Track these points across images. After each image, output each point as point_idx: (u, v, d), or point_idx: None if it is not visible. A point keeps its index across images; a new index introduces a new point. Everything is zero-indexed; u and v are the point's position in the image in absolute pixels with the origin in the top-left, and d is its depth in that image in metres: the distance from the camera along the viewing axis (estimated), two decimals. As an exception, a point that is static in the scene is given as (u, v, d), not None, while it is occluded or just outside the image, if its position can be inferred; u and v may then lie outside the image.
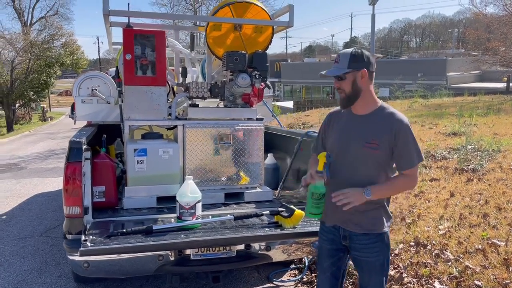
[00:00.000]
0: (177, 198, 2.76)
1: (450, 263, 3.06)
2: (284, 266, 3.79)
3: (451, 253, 3.18)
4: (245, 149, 3.50)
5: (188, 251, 2.71)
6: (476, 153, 5.28)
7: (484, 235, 3.29)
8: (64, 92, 53.26)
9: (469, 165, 4.87)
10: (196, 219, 2.77)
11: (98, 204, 3.08)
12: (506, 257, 2.94)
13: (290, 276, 3.70)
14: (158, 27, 4.16)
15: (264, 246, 2.83)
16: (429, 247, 3.34)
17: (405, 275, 3.09)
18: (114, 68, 4.68)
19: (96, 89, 4.30)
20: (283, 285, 3.56)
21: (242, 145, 3.49)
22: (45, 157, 11.32)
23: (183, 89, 3.63)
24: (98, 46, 49.25)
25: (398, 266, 3.24)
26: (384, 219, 2.13)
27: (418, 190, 4.50)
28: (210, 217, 2.98)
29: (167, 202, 3.18)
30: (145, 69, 3.35)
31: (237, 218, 2.90)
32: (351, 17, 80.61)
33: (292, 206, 2.87)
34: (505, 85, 20.30)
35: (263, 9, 3.77)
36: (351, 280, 3.32)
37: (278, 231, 2.79)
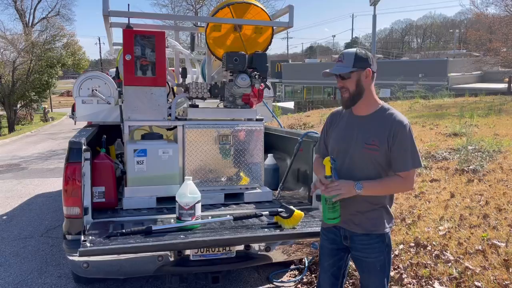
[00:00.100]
0: (177, 199, 2.76)
1: (450, 264, 3.05)
2: (284, 266, 3.79)
3: (451, 254, 3.17)
4: (245, 150, 3.50)
5: (187, 252, 2.71)
6: (476, 153, 5.27)
7: (484, 236, 3.28)
8: (65, 92, 53.41)
9: (469, 166, 4.86)
10: (196, 219, 2.77)
11: (97, 204, 3.09)
12: (506, 258, 2.93)
13: (290, 276, 3.70)
14: (159, 27, 4.16)
15: (264, 246, 2.83)
16: (429, 248, 3.33)
17: (405, 276, 3.09)
18: (114, 69, 4.69)
19: (96, 90, 4.31)
20: (283, 286, 3.56)
21: (242, 145, 3.49)
22: (46, 158, 11.34)
23: (183, 89, 3.63)
24: (100, 47, 49.26)
25: (398, 267, 3.23)
26: (385, 220, 2.12)
27: (419, 191, 4.49)
28: (210, 217, 2.98)
29: (167, 203, 3.19)
30: (145, 69, 3.35)
31: (236, 218, 2.91)
32: (352, 18, 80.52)
33: (291, 207, 2.86)
34: (507, 86, 20.26)
35: (263, 9, 3.78)
36: (351, 281, 3.32)
37: (278, 232, 2.79)
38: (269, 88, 3.97)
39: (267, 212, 2.96)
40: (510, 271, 2.81)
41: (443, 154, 5.54)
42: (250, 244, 2.81)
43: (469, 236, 3.35)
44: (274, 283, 3.59)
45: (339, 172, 2.08)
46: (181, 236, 2.62)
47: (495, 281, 2.75)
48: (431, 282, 2.94)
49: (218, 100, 3.68)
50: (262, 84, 3.55)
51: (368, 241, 2.11)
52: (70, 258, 2.54)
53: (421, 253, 3.30)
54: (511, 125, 7.30)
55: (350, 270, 3.32)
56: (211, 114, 3.55)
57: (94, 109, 4.36)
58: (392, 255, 3.33)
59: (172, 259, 2.68)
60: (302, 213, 2.89)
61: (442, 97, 14.42)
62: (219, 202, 3.39)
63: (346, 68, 2.02)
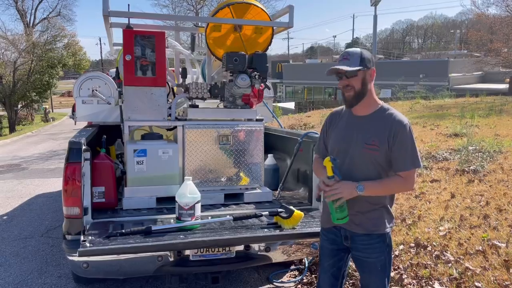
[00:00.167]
0: (176, 199, 2.76)
1: (450, 265, 3.04)
2: (284, 267, 3.78)
3: (452, 255, 3.16)
4: (245, 150, 3.50)
5: (187, 252, 2.71)
6: (477, 154, 5.26)
7: (485, 236, 3.28)
8: (66, 93, 53.42)
9: (470, 166, 4.86)
10: (195, 219, 2.77)
11: (97, 204, 3.09)
12: (506, 259, 2.92)
13: (290, 277, 3.69)
14: (159, 28, 4.16)
15: (264, 247, 2.83)
16: (429, 248, 3.33)
17: (405, 276, 3.08)
18: (115, 69, 4.70)
19: (96, 90, 4.31)
20: (283, 286, 3.55)
21: (242, 146, 3.48)
22: (46, 158, 11.36)
23: (183, 89, 3.63)
24: (101, 47, 49.20)
25: (398, 267, 3.23)
26: (386, 220, 2.12)
27: (419, 191, 4.49)
28: (210, 217, 2.98)
29: (167, 203, 3.18)
30: (145, 69, 3.35)
31: (236, 218, 2.91)
32: (353, 18, 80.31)
33: (291, 207, 2.86)
34: (508, 86, 20.24)
35: (263, 10, 3.78)
36: (351, 281, 3.31)
37: (277, 232, 2.79)
38: (269, 88, 3.98)
39: (267, 212, 2.96)
40: (511, 271, 2.80)
41: (443, 154, 5.53)
42: (250, 245, 2.81)
43: (470, 237, 3.34)
44: (274, 283, 3.58)
45: (339, 171, 2.07)
46: (181, 236, 2.62)
47: (495, 281, 2.74)
48: (431, 283, 2.93)
49: (218, 101, 3.68)
50: (262, 84, 3.55)
51: (369, 241, 2.10)
52: (70, 258, 2.54)
53: (421, 254, 3.29)
54: (511, 126, 7.30)
55: (350, 271, 3.31)
56: (211, 114, 3.55)
57: (94, 109, 4.36)
58: (392, 256, 3.32)
59: (171, 259, 2.67)
60: (302, 213, 2.88)
61: (443, 98, 14.41)
62: (219, 202, 3.39)
63: (353, 65, 2.01)
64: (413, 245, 3.45)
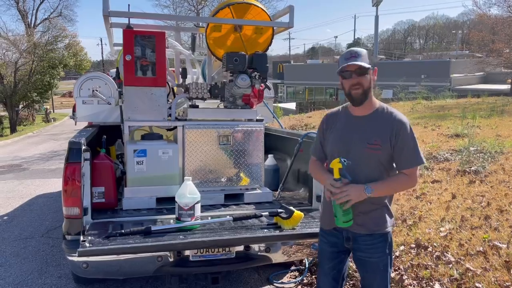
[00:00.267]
0: (176, 199, 2.76)
1: (451, 265, 3.03)
2: (284, 267, 3.77)
3: (452, 255, 3.15)
4: (245, 150, 3.49)
5: (187, 252, 2.70)
6: (478, 155, 5.25)
7: (486, 237, 3.27)
8: (67, 93, 53.46)
9: (471, 167, 4.85)
10: (195, 220, 2.76)
11: (97, 204, 3.08)
12: (507, 260, 2.91)
13: (290, 277, 3.68)
14: (160, 28, 4.16)
15: (264, 247, 2.82)
16: (430, 249, 3.32)
17: (406, 277, 3.07)
18: (115, 69, 4.70)
19: (96, 90, 4.31)
20: (283, 287, 3.54)
21: (242, 146, 3.48)
22: (47, 158, 11.37)
23: (183, 90, 3.63)
24: (102, 48, 49.28)
25: (399, 268, 3.22)
26: (387, 219, 2.12)
27: (420, 192, 4.47)
28: (209, 218, 2.97)
29: (167, 203, 3.18)
30: (145, 70, 3.35)
31: (236, 219, 2.90)
32: (355, 19, 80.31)
33: (291, 207, 2.85)
34: (509, 87, 20.21)
35: (263, 10, 3.77)
36: (352, 282, 3.30)
37: (277, 233, 2.78)
38: (269, 89, 3.97)
39: (267, 213, 2.95)
40: (511, 272, 2.79)
41: (444, 155, 5.52)
42: (250, 245, 2.80)
43: (470, 238, 3.33)
44: (275, 284, 3.57)
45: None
46: (181, 237, 2.61)
47: (496, 282, 2.73)
48: (431, 283, 2.92)
49: (218, 101, 3.68)
50: (262, 84, 3.54)
51: (371, 241, 2.10)
52: (70, 258, 2.54)
53: (422, 254, 3.28)
54: (513, 126, 7.28)
55: (350, 271, 3.31)
56: (211, 114, 3.54)
57: (94, 110, 4.36)
58: (393, 256, 3.32)
59: (171, 259, 2.67)
60: (302, 213, 2.87)
61: (444, 98, 14.40)
62: (219, 203, 3.38)
63: (366, 63, 2.00)
64: (413, 245, 3.44)
